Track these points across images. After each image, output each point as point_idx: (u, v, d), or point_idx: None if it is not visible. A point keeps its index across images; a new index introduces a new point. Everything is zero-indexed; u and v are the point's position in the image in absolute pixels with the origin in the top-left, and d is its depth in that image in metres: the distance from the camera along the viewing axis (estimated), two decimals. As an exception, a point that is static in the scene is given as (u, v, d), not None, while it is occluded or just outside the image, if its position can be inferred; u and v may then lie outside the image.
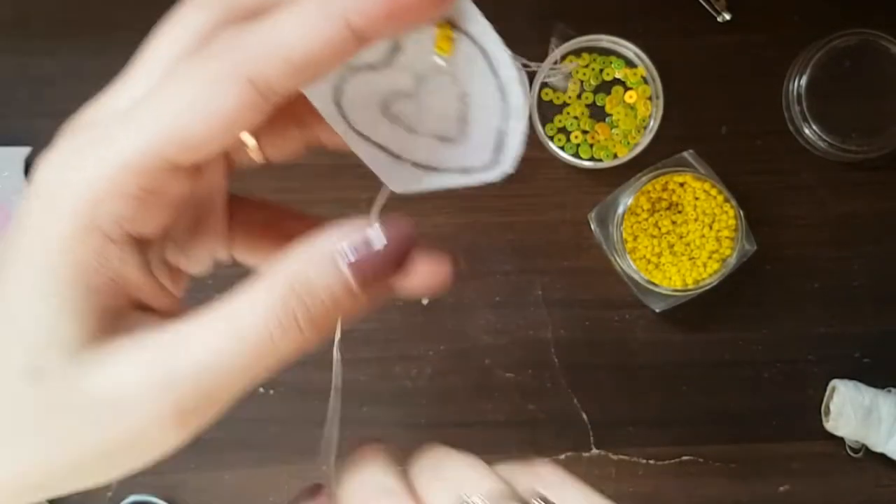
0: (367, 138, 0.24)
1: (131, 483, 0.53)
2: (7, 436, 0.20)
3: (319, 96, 0.23)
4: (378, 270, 0.21)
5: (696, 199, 0.49)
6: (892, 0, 0.51)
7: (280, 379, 0.54)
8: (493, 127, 0.23)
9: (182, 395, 0.20)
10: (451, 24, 0.22)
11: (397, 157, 0.24)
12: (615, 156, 0.52)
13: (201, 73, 0.19)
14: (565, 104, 0.52)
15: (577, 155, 0.52)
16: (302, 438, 0.54)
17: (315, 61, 0.19)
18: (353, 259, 0.20)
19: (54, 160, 0.20)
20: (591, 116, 0.52)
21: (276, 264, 0.21)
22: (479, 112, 0.23)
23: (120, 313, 0.21)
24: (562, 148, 0.52)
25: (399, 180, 0.24)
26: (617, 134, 0.52)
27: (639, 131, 0.52)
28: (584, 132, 0.52)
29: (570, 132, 0.52)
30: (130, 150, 0.19)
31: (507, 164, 0.24)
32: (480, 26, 0.22)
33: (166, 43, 0.21)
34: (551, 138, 0.52)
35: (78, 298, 0.20)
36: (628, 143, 0.52)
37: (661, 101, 0.51)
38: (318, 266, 0.20)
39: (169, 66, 0.21)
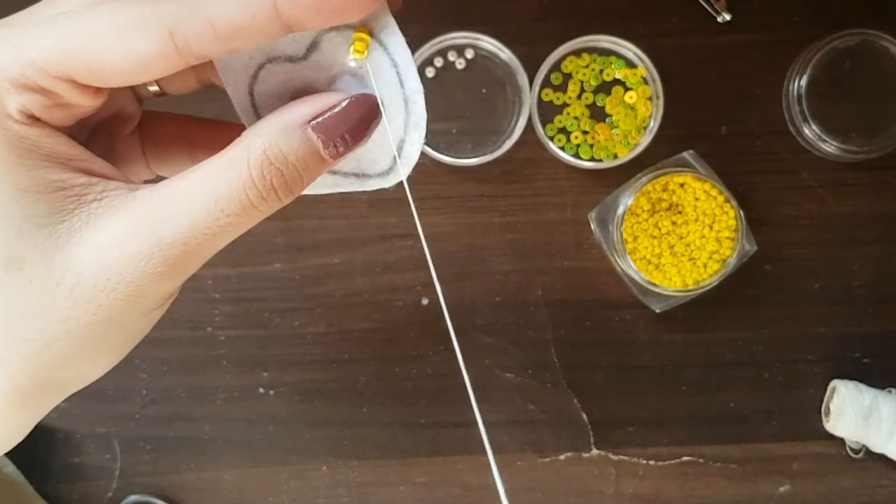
0: None
1: (131, 483, 0.53)
2: (3, 328, 0.21)
3: (235, 85, 0.24)
4: (342, 131, 0.22)
5: (697, 199, 0.49)
6: (892, 0, 0.51)
7: (280, 379, 0.54)
8: (394, 135, 0.24)
9: (172, 255, 0.21)
10: (370, 32, 0.23)
11: None
12: (615, 156, 0.52)
13: (129, 12, 0.20)
14: (565, 104, 0.52)
15: (577, 155, 0.52)
16: (302, 438, 0.54)
17: (237, 33, 0.20)
18: (318, 122, 0.22)
19: None
20: (591, 117, 0.52)
21: (248, 136, 0.22)
22: (382, 119, 0.24)
23: (79, 185, 0.21)
24: (562, 148, 0.52)
25: None
26: (617, 134, 0.52)
27: (639, 131, 0.52)
28: (584, 132, 0.52)
29: (570, 132, 0.52)
30: (39, 49, 0.20)
31: (404, 171, 0.25)
32: (395, 38, 0.23)
33: None
34: (551, 138, 0.52)
35: (22, 179, 0.20)
36: (628, 143, 0.52)
37: (661, 102, 0.51)
38: (289, 135, 0.22)
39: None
